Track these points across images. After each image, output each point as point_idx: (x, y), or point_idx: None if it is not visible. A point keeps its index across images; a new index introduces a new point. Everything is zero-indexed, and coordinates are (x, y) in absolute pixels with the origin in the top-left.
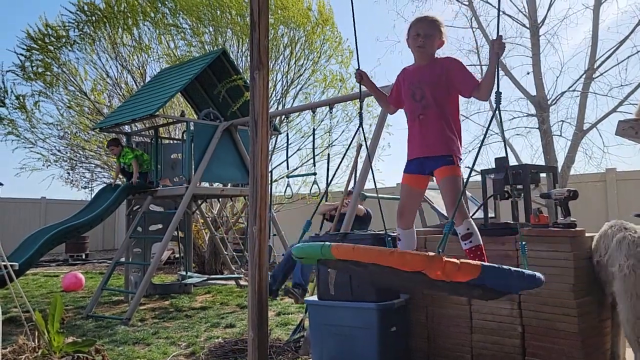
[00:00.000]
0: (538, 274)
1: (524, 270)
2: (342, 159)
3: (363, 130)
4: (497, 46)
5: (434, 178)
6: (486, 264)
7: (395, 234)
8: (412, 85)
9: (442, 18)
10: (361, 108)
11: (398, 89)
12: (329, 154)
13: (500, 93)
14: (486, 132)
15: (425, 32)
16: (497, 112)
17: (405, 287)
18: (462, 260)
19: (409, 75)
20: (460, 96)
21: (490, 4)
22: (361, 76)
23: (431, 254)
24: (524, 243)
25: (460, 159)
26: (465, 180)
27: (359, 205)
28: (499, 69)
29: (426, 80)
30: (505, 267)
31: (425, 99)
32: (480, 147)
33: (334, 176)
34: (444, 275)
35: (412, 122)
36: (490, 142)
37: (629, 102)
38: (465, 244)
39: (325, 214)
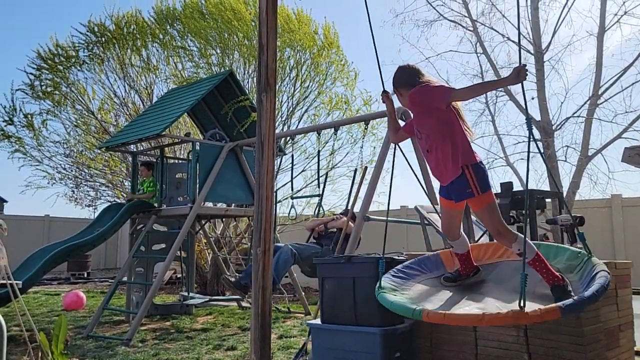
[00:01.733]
0: (603, 282)
1: (594, 292)
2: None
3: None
4: (523, 75)
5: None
6: (564, 304)
7: (400, 257)
8: (414, 126)
9: (396, 73)
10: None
11: (412, 123)
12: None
13: (531, 118)
14: (528, 155)
15: (399, 103)
16: (530, 137)
17: None
18: (541, 308)
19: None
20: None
21: (495, 30)
22: (385, 98)
23: (515, 309)
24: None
25: (479, 168)
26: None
27: (351, 223)
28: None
29: (415, 119)
30: (582, 297)
31: (423, 134)
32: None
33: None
34: (529, 323)
35: (425, 157)
36: (494, 167)
37: (634, 129)
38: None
39: (314, 228)
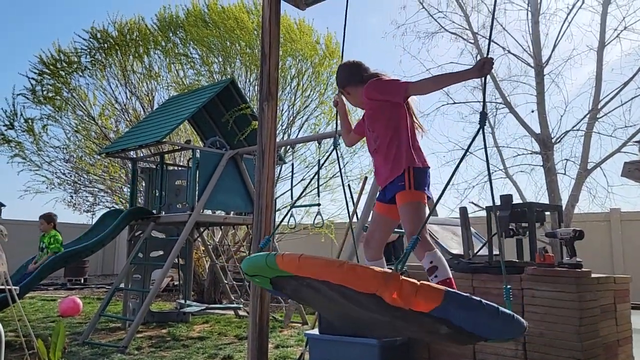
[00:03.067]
0: (517, 317)
1: (499, 307)
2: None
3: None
4: (488, 68)
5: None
6: (450, 290)
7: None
8: (366, 123)
9: (340, 68)
10: (335, 140)
11: (362, 123)
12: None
13: (486, 114)
14: (464, 153)
15: (349, 101)
16: (480, 132)
17: (359, 320)
18: (422, 281)
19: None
20: (405, 105)
21: (497, 43)
22: (337, 102)
23: (387, 270)
24: (509, 287)
25: (421, 170)
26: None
27: None
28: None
29: (367, 115)
30: (475, 297)
31: (373, 133)
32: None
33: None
34: (402, 300)
35: (372, 155)
36: (493, 179)
37: (633, 143)
38: (431, 279)
39: None
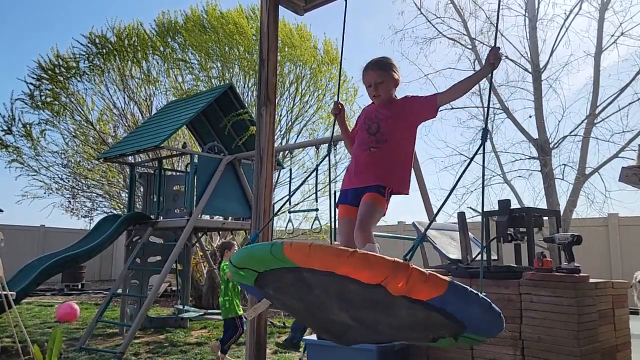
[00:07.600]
0: (502, 315)
1: (491, 302)
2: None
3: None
4: (493, 57)
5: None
6: (454, 282)
7: None
8: (368, 120)
9: (390, 59)
10: (329, 148)
11: (356, 126)
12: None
13: (488, 130)
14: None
15: (376, 81)
16: (482, 148)
17: (343, 324)
18: (431, 272)
19: (368, 112)
20: (428, 119)
21: None
22: (339, 109)
23: (399, 260)
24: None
25: (396, 193)
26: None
27: None
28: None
29: (383, 115)
30: (472, 290)
31: (380, 133)
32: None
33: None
34: (407, 289)
35: (360, 152)
36: (491, 184)
37: (631, 148)
38: None
39: None
